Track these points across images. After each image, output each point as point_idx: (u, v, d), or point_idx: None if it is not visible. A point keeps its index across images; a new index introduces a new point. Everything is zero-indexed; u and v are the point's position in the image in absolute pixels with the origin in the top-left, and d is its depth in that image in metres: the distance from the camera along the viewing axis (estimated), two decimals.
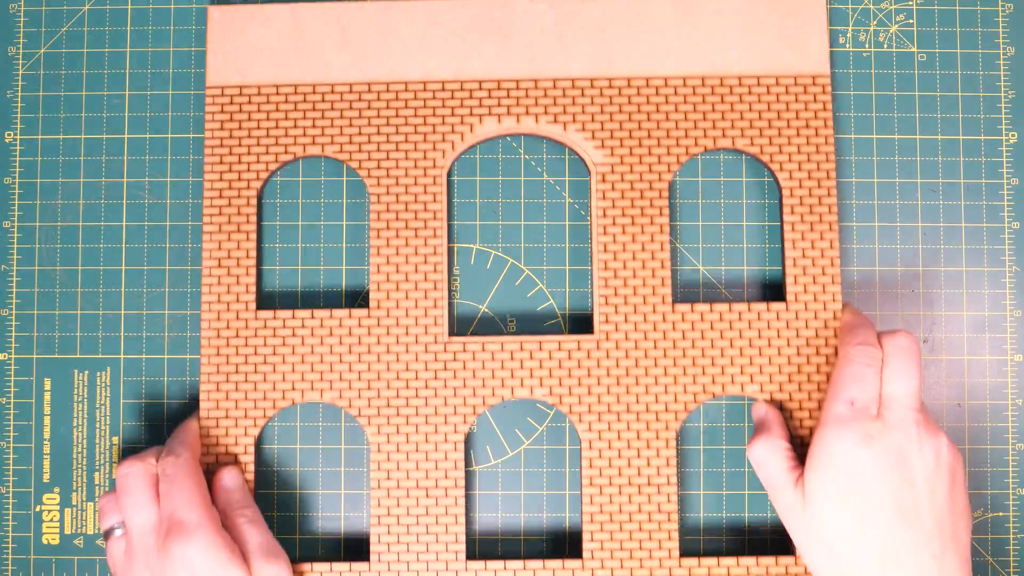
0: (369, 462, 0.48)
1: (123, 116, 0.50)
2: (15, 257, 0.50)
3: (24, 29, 0.50)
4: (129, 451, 0.49)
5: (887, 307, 0.50)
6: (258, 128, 0.48)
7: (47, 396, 0.50)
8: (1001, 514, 0.49)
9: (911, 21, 0.51)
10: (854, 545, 0.40)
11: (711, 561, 0.46)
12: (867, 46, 0.50)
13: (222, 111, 0.48)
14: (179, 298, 0.49)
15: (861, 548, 0.40)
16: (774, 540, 0.49)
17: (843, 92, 0.50)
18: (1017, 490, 0.49)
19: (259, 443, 0.49)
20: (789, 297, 0.47)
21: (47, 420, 0.49)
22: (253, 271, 0.48)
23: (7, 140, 0.50)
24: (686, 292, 0.49)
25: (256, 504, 0.46)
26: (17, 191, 0.50)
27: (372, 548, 0.47)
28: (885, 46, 0.50)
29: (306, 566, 0.46)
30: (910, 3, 0.51)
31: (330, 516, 0.49)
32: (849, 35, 0.50)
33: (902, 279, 0.50)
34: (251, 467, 0.47)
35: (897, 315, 0.50)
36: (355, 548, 0.49)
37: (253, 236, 0.48)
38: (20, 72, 0.50)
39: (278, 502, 0.49)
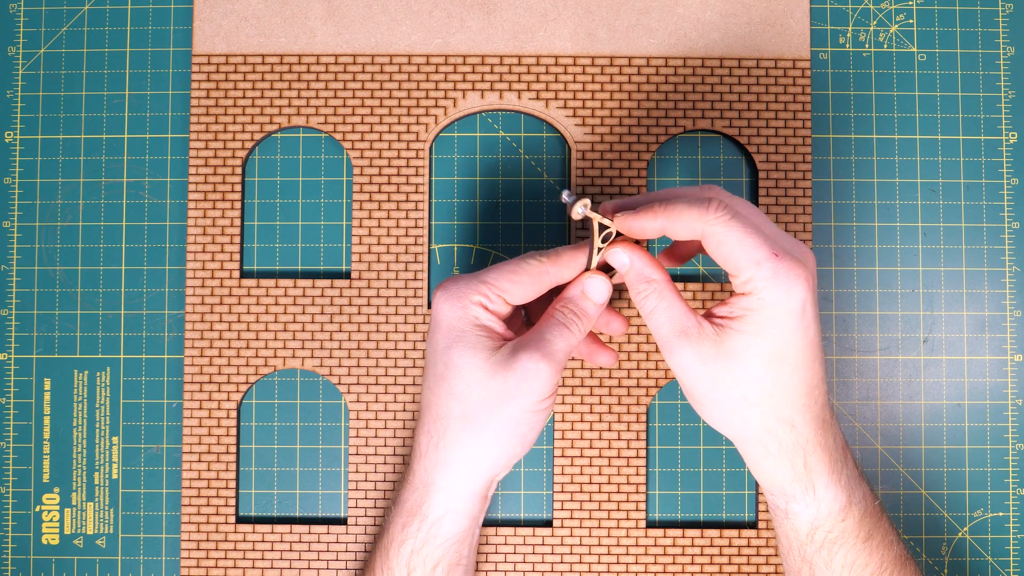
0: (347, 428, 0.49)
1: (123, 116, 0.50)
2: (15, 257, 0.50)
3: (24, 29, 0.50)
4: (129, 451, 0.49)
5: (887, 307, 0.50)
6: (243, 97, 0.49)
7: (47, 396, 0.50)
8: (1001, 514, 0.49)
9: (911, 21, 0.51)
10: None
11: (676, 532, 0.47)
12: (867, 46, 0.50)
13: (208, 79, 0.49)
14: (178, 298, 0.49)
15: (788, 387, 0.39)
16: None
17: (843, 92, 0.50)
18: (1017, 490, 0.49)
19: (241, 407, 0.49)
20: None
21: (47, 420, 0.49)
22: (237, 239, 0.48)
23: (7, 140, 0.50)
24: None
25: (237, 461, 0.47)
26: (17, 191, 0.50)
27: (349, 512, 0.48)
28: (885, 46, 0.50)
29: (284, 528, 0.48)
30: (910, 3, 0.51)
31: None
32: (849, 35, 0.50)
33: (902, 279, 0.50)
34: (233, 431, 0.48)
35: (897, 315, 0.50)
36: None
37: (238, 205, 0.49)
38: (20, 72, 0.50)
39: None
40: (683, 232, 0.38)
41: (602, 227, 0.40)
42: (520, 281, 0.39)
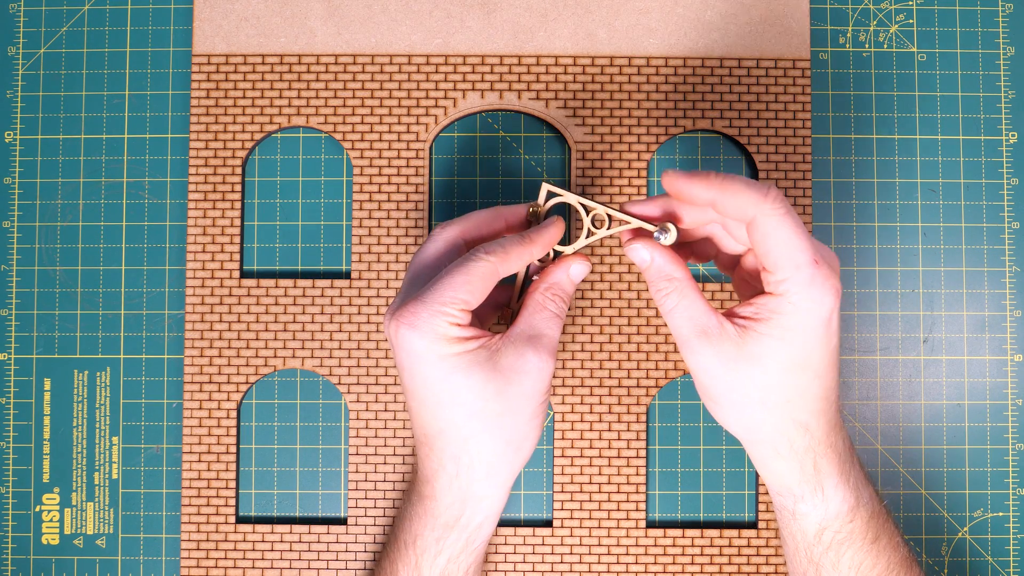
0: (347, 428, 0.49)
1: (123, 116, 0.50)
2: (15, 257, 0.50)
3: (24, 29, 0.50)
4: (129, 451, 0.49)
5: (887, 307, 0.50)
6: (243, 97, 0.49)
7: (47, 396, 0.50)
8: (1001, 514, 0.49)
9: (911, 21, 0.51)
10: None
11: (676, 532, 0.48)
12: (867, 46, 0.50)
13: (208, 79, 0.49)
14: (179, 298, 0.49)
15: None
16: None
17: (843, 92, 0.50)
18: (1017, 490, 0.49)
19: (241, 407, 0.49)
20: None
21: (47, 420, 0.49)
22: (237, 239, 0.48)
23: (7, 140, 0.50)
24: None
25: (237, 461, 0.46)
26: (17, 191, 0.50)
27: (349, 512, 0.48)
28: (885, 46, 0.50)
29: (284, 528, 0.48)
30: (910, 3, 0.51)
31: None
32: (849, 35, 0.50)
33: (902, 279, 0.50)
34: (233, 431, 0.48)
35: (897, 315, 0.50)
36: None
37: (238, 205, 0.49)
38: (20, 72, 0.50)
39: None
40: (733, 211, 0.37)
41: (586, 209, 0.40)
42: (476, 289, 0.38)
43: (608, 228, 0.40)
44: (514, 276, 0.41)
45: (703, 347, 0.38)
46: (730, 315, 0.38)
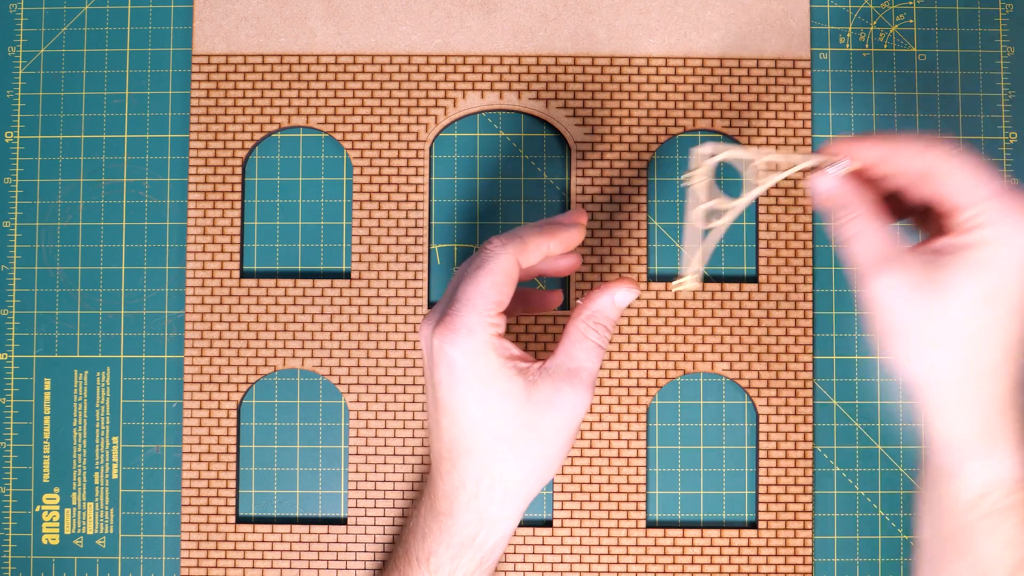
0: (347, 428, 0.49)
1: (123, 116, 0.50)
2: (15, 257, 0.50)
3: (24, 29, 0.50)
4: (129, 451, 0.49)
5: None
6: (243, 97, 0.49)
7: (47, 396, 0.50)
8: None
9: (911, 21, 0.51)
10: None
11: (676, 532, 0.48)
12: (867, 46, 0.50)
13: (208, 79, 0.49)
14: (179, 298, 0.49)
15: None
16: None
17: (843, 92, 0.50)
18: None
19: (241, 408, 0.49)
20: (761, 278, 0.48)
21: (47, 420, 0.50)
22: (237, 239, 0.49)
23: (7, 140, 0.50)
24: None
25: (237, 461, 0.46)
26: (17, 191, 0.50)
27: (349, 512, 0.48)
28: (885, 46, 0.51)
29: (284, 528, 0.48)
30: (910, 3, 0.51)
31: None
32: (849, 35, 0.50)
33: None
34: (233, 431, 0.48)
35: None
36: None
37: (238, 205, 0.49)
38: (20, 72, 0.50)
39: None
40: (904, 163, 0.35)
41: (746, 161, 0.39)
42: (504, 287, 0.37)
43: (776, 173, 0.39)
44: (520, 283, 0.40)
45: (884, 274, 0.35)
46: (916, 248, 0.36)
